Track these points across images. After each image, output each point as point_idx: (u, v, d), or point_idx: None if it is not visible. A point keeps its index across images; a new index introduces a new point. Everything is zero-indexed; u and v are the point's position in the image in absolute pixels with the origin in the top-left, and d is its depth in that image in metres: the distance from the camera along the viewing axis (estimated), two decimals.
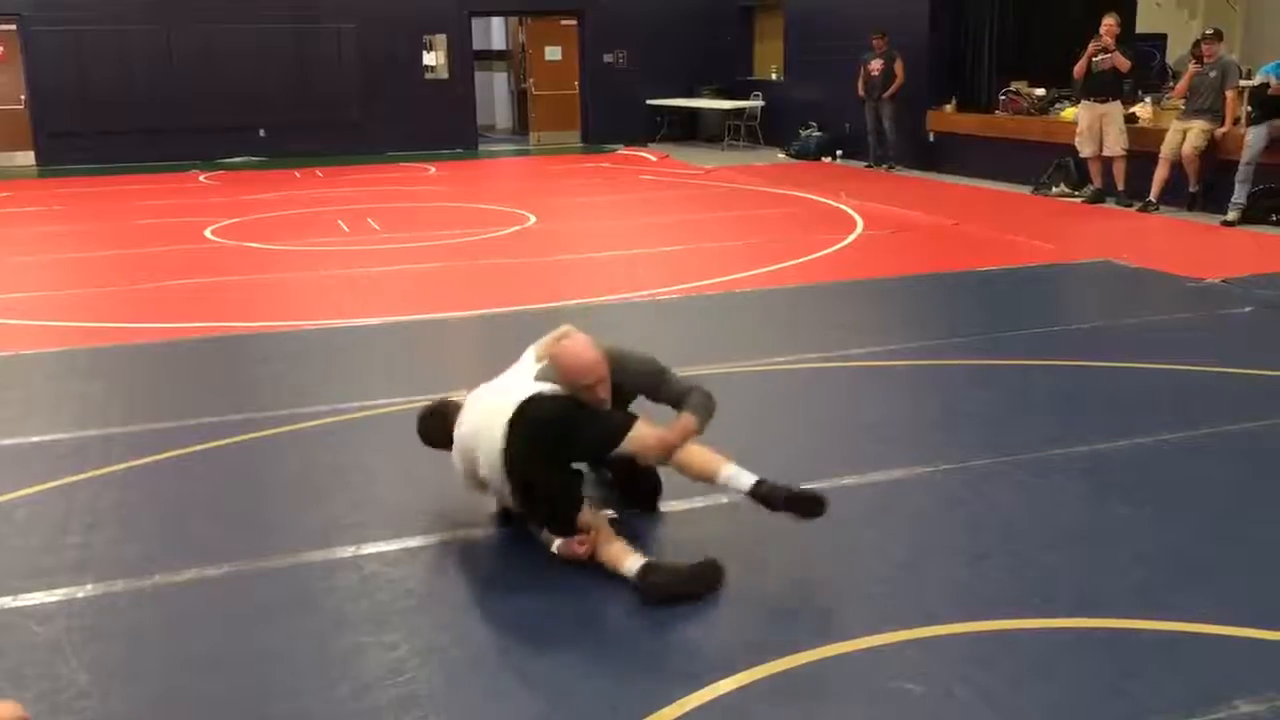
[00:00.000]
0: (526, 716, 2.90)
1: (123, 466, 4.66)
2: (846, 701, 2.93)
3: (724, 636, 3.26)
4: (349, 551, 3.81)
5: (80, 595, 3.57)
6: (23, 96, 16.77)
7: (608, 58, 19.32)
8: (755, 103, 18.29)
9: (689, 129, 19.75)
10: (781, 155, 16.95)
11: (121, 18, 16.63)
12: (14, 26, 16.55)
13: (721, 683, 2.99)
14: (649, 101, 19.27)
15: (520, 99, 21.36)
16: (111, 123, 16.65)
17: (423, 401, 5.41)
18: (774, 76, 18.47)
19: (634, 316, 7.35)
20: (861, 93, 14.71)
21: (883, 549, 3.81)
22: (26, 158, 16.89)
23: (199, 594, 3.58)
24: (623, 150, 18.14)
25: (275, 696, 3.00)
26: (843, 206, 11.60)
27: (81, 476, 4.54)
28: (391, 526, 3.98)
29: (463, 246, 9.76)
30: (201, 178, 15.22)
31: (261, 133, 17.44)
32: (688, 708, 2.88)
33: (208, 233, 10.54)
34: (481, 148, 19.09)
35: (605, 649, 3.22)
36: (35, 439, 5.05)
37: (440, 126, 18.31)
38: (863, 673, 3.06)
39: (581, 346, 3.72)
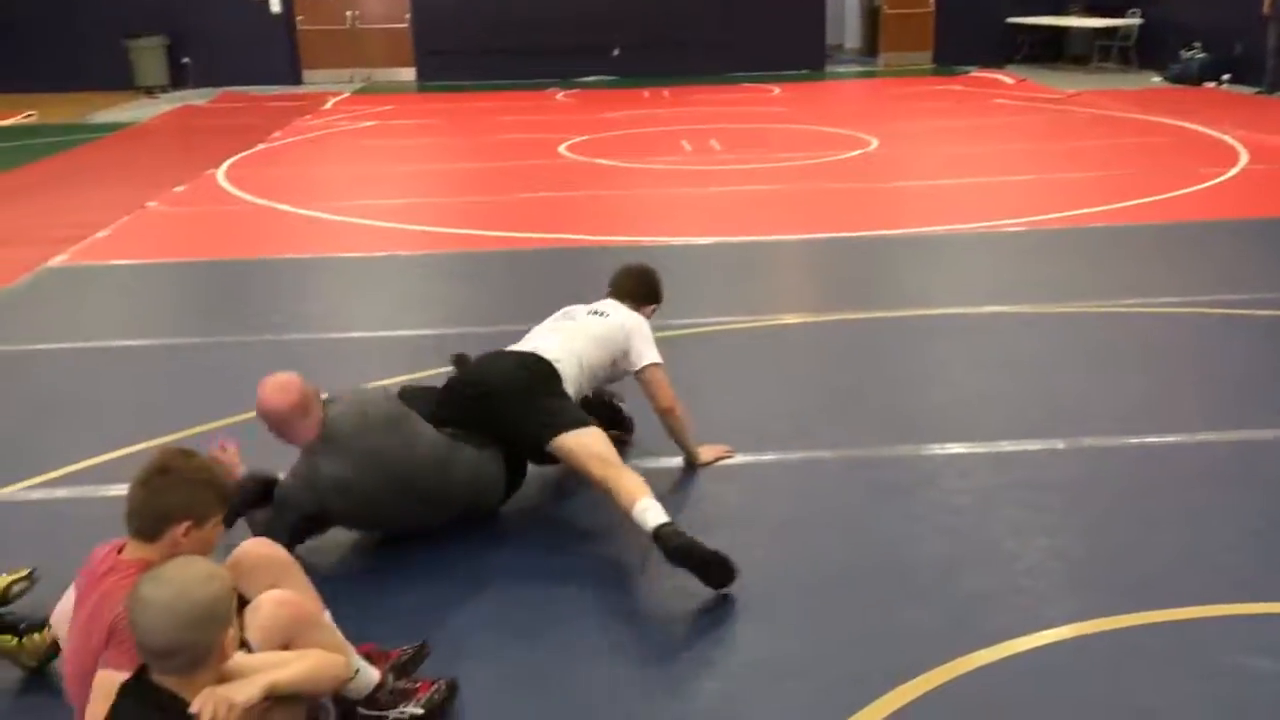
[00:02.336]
0: (834, 632, 2.94)
1: None
2: (1176, 671, 2.74)
3: (1046, 587, 3.13)
4: (671, 462, 3.96)
5: None
6: (407, 16, 18.20)
7: None
8: (1132, 21, 16.81)
9: (1053, 50, 18.45)
10: (1157, 79, 15.53)
11: None
12: None
13: (1041, 633, 2.89)
14: (1010, 20, 18.16)
15: (871, 18, 20.75)
16: (482, 42, 17.76)
17: (752, 323, 5.53)
18: None
19: (971, 249, 7.07)
20: (1267, 10, 13.15)
21: (1236, 514, 3.51)
22: (409, 74, 18.37)
23: None
24: (976, 72, 17.27)
25: (592, 591, 3.21)
26: (1225, 137, 10.50)
27: (440, 371, 4.96)
28: (713, 443, 4.06)
29: (801, 169, 9.71)
30: (559, 96, 15.96)
31: (615, 53, 18.01)
32: (1015, 650, 2.81)
33: (562, 149, 11.08)
34: (828, 69, 18.78)
35: (918, 585, 3.18)
36: (404, 333, 5.57)
37: (787, 47, 18.14)
38: (1199, 643, 2.85)
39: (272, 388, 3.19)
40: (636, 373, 3.83)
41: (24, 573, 3.01)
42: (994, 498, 3.67)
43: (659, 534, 3.08)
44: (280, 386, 3.18)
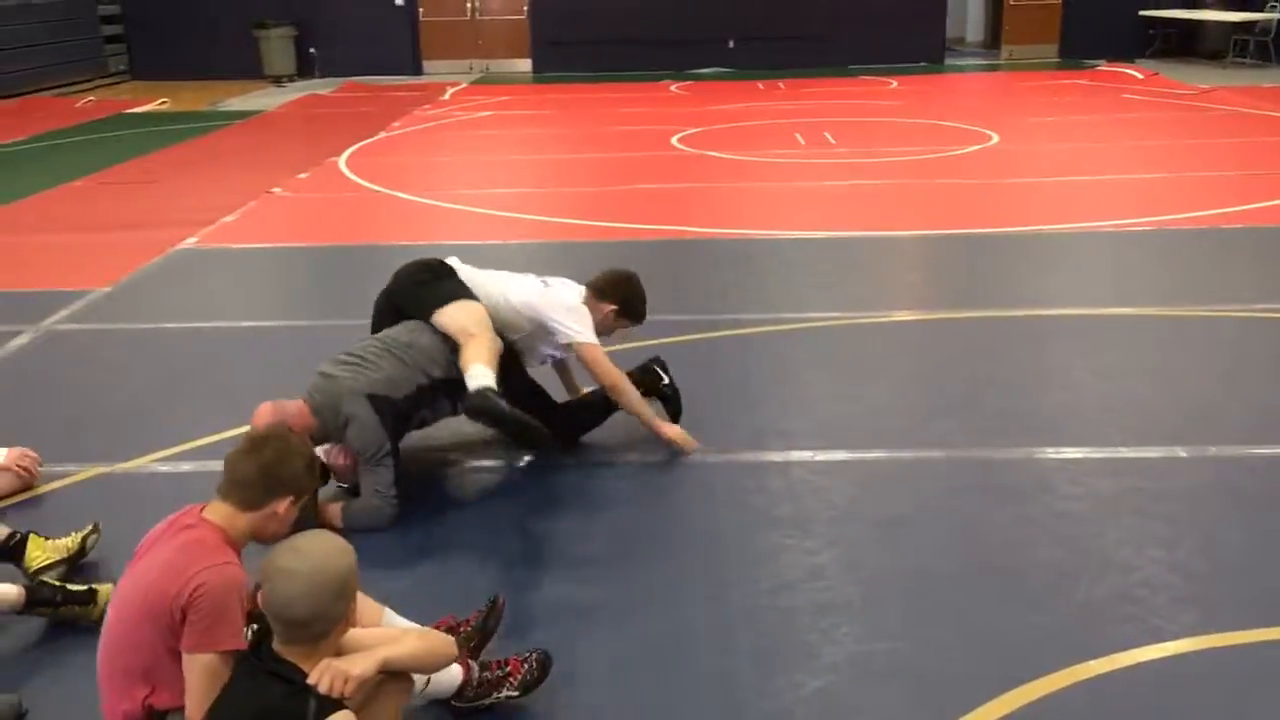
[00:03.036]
0: (939, 634, 2.89)
1: None
2: None
3: (1163, 600, 3.02)
4: (778, 456, 3.94)
5: None
6: (525, 8, 18.40)
7: None
8: (1271, 15, 16.08)
9: (1187, 44, 17.76)
10: None
11: None
12: None
13: (1156, 646, 2.80)
14: (1142, 12, 17.55)
15: (995, 9, 20.25)
16: (597, 34, 17.86)
17: (865, 319, 5.46)
18: None
19: (1095, 248, 6.85)
20: None
21: None
22: (525, 65, 18.57)
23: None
24: (1104, 67, 16.72)
25: (697, 584, 3.21)
26: None
27: None
28: (820, 438, 4.06)
29: (917, 164, 9.54)
30: (673, 87, 15.95)
31: (730, 44, 17.93)
32: (1129, 662, 2.73)
33: (674, 140, 11.08)
34: (948, 62, 18.39)
35: (1027, 591, 3.10)
36: None
37: (906, 40, 17.82)
38: None
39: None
40: (576, 351, 3.91)
41: (90, 527, 3.30)
42: (1110, 505, 3.57)
43: (470, 393, 3.44)
44: (256, 416, 3.40)
